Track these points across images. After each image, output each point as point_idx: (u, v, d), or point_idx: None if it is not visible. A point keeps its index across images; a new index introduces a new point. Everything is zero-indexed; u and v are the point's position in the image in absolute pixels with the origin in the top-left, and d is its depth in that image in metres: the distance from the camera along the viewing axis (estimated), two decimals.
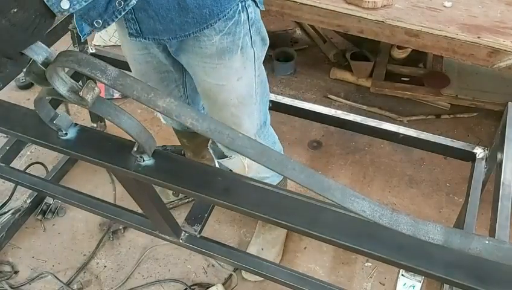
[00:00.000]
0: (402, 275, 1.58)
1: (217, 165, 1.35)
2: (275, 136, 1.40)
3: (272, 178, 1.39)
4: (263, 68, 1.16)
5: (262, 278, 1.60)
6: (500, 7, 1.59)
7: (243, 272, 1.63)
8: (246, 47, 1.04)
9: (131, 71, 1.28)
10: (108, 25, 0.74)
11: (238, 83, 1.08)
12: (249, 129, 1.21)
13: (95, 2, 0.68)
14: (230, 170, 1.59)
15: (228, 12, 0.95)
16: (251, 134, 1.24)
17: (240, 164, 1.29)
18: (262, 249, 1.65)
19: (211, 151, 1.35)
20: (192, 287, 1.61)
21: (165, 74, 1.23)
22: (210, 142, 1.35)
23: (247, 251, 1.65)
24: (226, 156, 1.31)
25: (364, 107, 2.19)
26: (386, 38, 1.60)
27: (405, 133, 1.46)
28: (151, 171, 0.75)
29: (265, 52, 1.13)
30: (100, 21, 0.73)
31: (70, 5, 0.59)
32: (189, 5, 0.90)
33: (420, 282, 1.56)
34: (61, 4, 0.59)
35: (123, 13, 0.73)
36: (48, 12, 0.59)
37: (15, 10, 0.57)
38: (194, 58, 1.04)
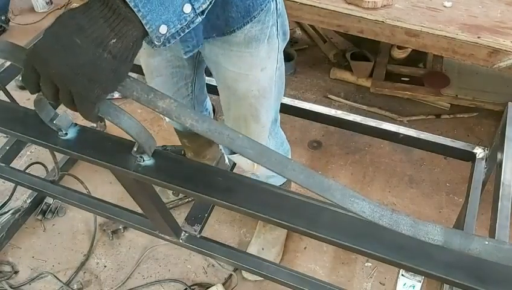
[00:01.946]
0: (402, 275, 1.58)
1: (227, 161, 1.34)
2: (283, 135, 1.40)
3: (278, 177, 1.39)
4: (283, 63, 1.15)
5: (262, 278, 1.61)
6: (500, 7, 1.59)
7: (243, 271, 1.63)
8: (272, 37, 1.03)
9: (131, 71, 1.27)
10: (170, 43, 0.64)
11: (261, 74, 1.08)
12: (265, 123, 1.20)
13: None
14: (233, 167, 1.60)
15: (267, 4, 0.95)
16: (266, 128, 1.23)
17: (249, 161, 1.28)
18: (262, 249, 1.65)
19: (222, 147, 1.34)
20: (192, 287, 1.61)
21: (176, 69, 1.22)
22: None
23: (248, 251, 1.65)
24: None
25: (364, 107, 2.19)
26: (386, 38, 1.60)
27: (405, 133, 1.46)
28: (151, 171, 0.75)
29: (284, 46, 1.13)
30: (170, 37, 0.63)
31: (168, 29, 0.56)
32: None
33: (420, 282, 1.56)
34: (159, 29, 0.55)
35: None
36: (143, 38, 0.56)
37: (114, 40, 0.53)
38: (220, 46, 1.03)
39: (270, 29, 1.01)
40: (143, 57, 1.22)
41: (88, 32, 0.52)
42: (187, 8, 0.56)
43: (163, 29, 0.55)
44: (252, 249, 1.66)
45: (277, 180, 1.41)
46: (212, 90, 1.50)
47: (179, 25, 0.57)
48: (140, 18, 0.53)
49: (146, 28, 0.54)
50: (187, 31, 0.59)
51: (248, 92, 1.11)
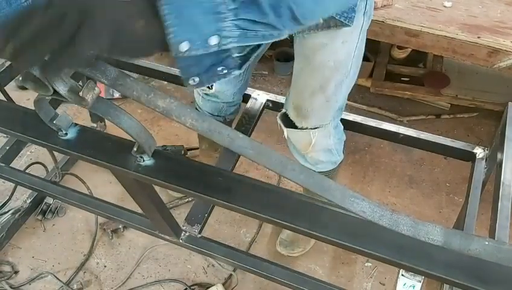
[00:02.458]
0: (402, 275, 1.58)
1: (285, 135, 1.32)
2: (343, 134, 1.39)
3: (326, 163, 1.39)
4: (364, 45, 1.14)
5: (297, 254, 1.65)
6: (500, 7, 1.59)
7: (277, 245, 1.67)
8: (359, 12, 1.02)
9: (131, 71, 1.27)
10: (203, 85, 0.64)
11: (341, 46, 1.07)
12: (330, 97, 1.18)
13: (200, 59, 0.59)
14: (233, 167, 1.59)
15: None
16: (332, 107, 1.22)
17: (307, 138, 1.27)
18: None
19: (279, 121, 1.32)
20: (192, 287, 1.61)
21: None
22: (280, 113, 1.31)
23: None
24: (297, 127, 1.27)
25: (364, 107, 2.19)
26: (386, 38, 1.60)
27: (405, 133, 1.46)
28: (151, 171, 0.75)
29: (368, 26, 1.12)
30: (197, 79, 0.62)
31: (189, 48, 0.54)
32: None
33: (420, 282, 1.56)
34: (179, 47, 0.53)
35: (221, 79, 0.65)
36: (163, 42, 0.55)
37: (138, 22, 0.53)
38: None
39: (359, 4, 1.00)
40: None
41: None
42: (213, 40, 0.54)
43: (183, 46, 0.53)
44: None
45: (324, 167, 1.40)
46: None
47: (200, 49, 0.55)
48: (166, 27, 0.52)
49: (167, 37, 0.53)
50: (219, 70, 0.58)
51: (325, 61, 1.09)
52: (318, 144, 1.28)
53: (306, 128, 1.25)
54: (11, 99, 1.16)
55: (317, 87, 1.15)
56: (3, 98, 0.91)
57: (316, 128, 1.24)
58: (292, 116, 1.25)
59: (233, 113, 1.55)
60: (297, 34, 1.05)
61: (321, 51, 1.08)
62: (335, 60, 1.10)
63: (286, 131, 1.30)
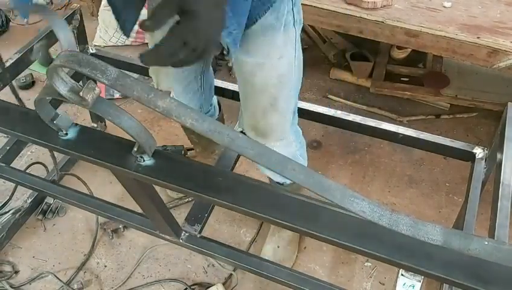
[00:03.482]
0: (402, 274, 1.58)
1: None
2: (303, 138, 1.38)
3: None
4: (301, 50, 1.15)
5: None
6: (499, 7, 1.59)
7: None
8: (288, 25, 1.03)
9: (131, 71, 1.27)
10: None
11: (279, 62, 1.07)
12: (284, 112, 1.20)
13: None
14: (233, 167, 1.59)
15: None
16: (287, 119, 1.23)
17: None
18: (278, 247, 1.65)
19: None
20: (192, 287, 1.61)
21: None
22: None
23: (263, 250, 1.66)
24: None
25: (364, 107, 2.19)
26: (386, 38, 1.60)
27: (405, 133, 1.46)
28: (151, 171, 0.75)
29: (299, 33, 1.13)
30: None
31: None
32: None
33: (420, 282, 1.56)
34: None
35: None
36: None
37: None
38: None
39: (286, 17, 1.01)
40: None
41: None
42: None
43: None
44: (268, 248, 1.65)
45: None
46: (217, 91, 1.51)
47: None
48: None
49: None
50: None
51: (267, 80, 1.10)
52: None
53: (267, 143, 1.25)
54: (20, 100, 1.17)
55: (267, 106, 1.15)
56: (6, 98, 0.91)
57: (277, 141, 1.25)
58: (251, 136, 1.25)
59: None
60: (233, 53, 1.05)
61: (260, 72, 1.09)
62: (277, 76, 1.10)
63: None
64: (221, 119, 1.61)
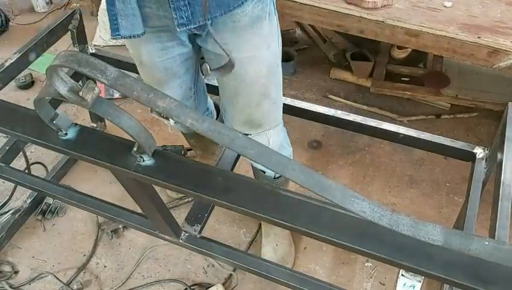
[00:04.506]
0: (402, 275, 1.58)
1: None
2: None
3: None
4: (280, 36, 1.17)
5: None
6: (500, 7, 1.59)
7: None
8: (271, 13, 1.06)
9: (131, 71, 1.27)
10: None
11: (267, 52, 1.10)
12: (276, 99, 1.21)
13: None
14: (233, 167, 1.59)
15: None
16: (279, 105, 1.25)
17: (264, 142, 1.28)
18: (276, 245, 1.64)
19: None
20: (192, 287, 1.61)
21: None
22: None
23: (262, 252, 1.65)
24: (251, 134, 1.29)
25: (365, 107, 2.19)
26: (386, 38, 1.60)
27: (405, 133, 1.46)
28: (151, 171, 0.75)
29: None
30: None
31: None
32: None
33: (420, 282, 1.56)
34: None
35: None
36: None
37: None
38: (226, 38, 1.04)
39: (269, 6, 1.04)
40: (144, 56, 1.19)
41: None
42: None
43: None
44: (267, 249, 1.65)
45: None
46: (212, 90, 1.50)
47: None
48: None
49: None
50: None
51: (258, 71, 1.11)
52: (274, 143, 1.29)
53: (262, 131, 1.26)
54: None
55: (260, 96, 1.17)
56: (6, 98, 0.91)
57: (272, 128, 1.27)
58: (244, 130, 1.25)
59: None
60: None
61: (251, 66, 1.10)
62: (267, 66, 1.12)
63: None
64: (220, 121, 1.62)
